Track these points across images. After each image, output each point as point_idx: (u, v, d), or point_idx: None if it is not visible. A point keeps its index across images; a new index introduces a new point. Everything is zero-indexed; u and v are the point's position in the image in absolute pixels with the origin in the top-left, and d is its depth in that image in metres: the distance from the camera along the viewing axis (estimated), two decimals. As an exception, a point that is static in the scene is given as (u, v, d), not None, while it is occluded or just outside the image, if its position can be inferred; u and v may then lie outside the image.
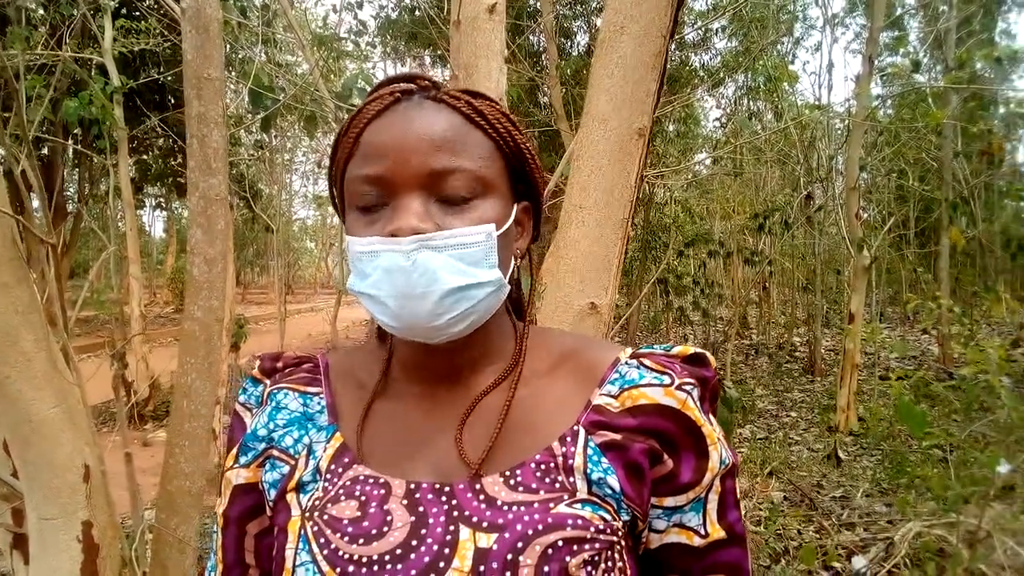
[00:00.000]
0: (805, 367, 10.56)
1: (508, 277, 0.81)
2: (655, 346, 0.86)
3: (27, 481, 2.15)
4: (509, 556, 0.69)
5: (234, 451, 0.88)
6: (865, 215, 9.96)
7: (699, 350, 0.85)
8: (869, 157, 9.27)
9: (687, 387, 0.81)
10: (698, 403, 0.81)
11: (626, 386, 0.80)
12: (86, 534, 2.18)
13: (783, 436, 7.01)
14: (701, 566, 0.82)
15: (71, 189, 16.52)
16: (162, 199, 19.32)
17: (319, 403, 0.87)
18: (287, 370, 0.92)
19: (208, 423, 2.38)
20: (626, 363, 0.83)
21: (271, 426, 0.86)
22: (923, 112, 8.81)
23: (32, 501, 2.16)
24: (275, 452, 0.84)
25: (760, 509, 4.79)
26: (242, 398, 0.92)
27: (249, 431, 0.87)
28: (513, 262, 0.84)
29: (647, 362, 0.83)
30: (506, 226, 0.80)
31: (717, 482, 0.81)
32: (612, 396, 0.80)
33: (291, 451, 0.83)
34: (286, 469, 0.83)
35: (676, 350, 0.85)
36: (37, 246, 2.49)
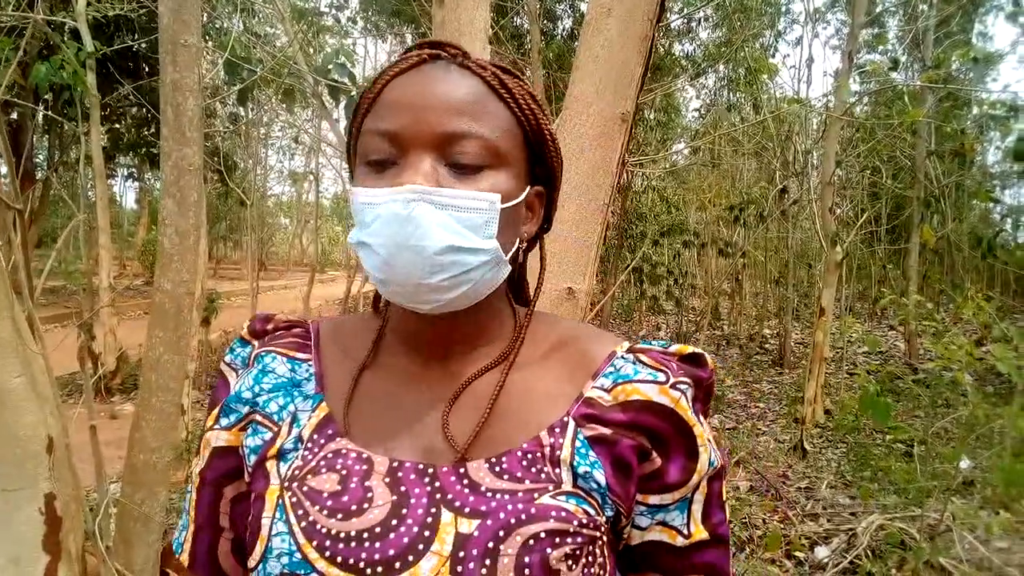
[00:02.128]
0: (775, 359, 10.67)
1: (509, 257, 0.80)
2: (652, 342, 0.85)
3: (-12, 451, 2.10)
4: (490, 544, 0.69)
5: (215, 412, 0.86)
6: (838, 211, 10.06)
7: (697, 350, 0.84)
8: (845, 153, 9.35)
9: (681, 386, 0.80)
10: (691, 403, 0.80)
11: (620, 380, 0.80)
12: (49, 506, 2.15)
13: (751, 426, 7.10)
14: (682, 565, 0.81)
15: (40, 156, 16.19)
16: (134, 169, 19.00)
17: (307, 370, 0.85)
18: (277, 333, 0.90)
19: (176, 397, 2.34)
20: (622, 357, 0.82)
21: (256, 389, 0.84)
22: (899, 110, 8.89)
23: (-7, 472, 2.12)
24: (258, 417, 0.83)
25: (726, 497, 4.83)
26: (228, 358, 0.90)
27: (232, 393, 0.86)
28: (517, 244, 0.83)
29: (643, 358, 0.82)
30: (513, 202, 0.78)
31: (704, 483, 0.81)
32: (605, 390, 0.79)
33: (275, 417, 0.82)
34: (268, 435, 0.81)
35: (674, 348, 0.84)
36: (3, 212, 2.43)
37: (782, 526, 4.50)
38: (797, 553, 4.10)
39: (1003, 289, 14.69)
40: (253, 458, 0.81)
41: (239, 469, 0.83)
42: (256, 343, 0.90)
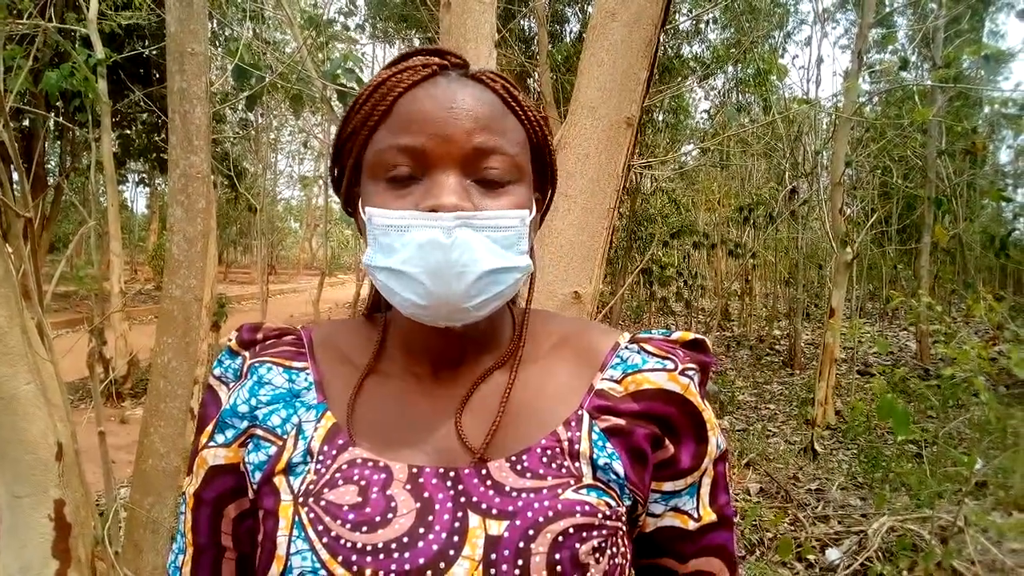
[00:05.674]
0: (785, 360, 10.63)
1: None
2: (653, 331, 0.86)
3: (-1, 458, 2.12)
4: (521, 544, 0.68)
5: (209, 428, 0.82)
6: (849, 211, 10.00)
7: (698, 336, 0.85)
8: (854, 153, 9.30)
9: (689, 372, 0.81)
10: (698, 388, 0.81)
11: (629, 371, 0.80)
12: (58, 512, 2.15)
13: (761, 428, 7.06)
14: (693, 549, 0.82)
15: (52, 162, 16.31)
16: (145, 175, 19.11)
17: (306, 379, 0.82)
18: (268, 342, 0.87)
19: (185, 403, 2.35)
20: (626, 348, 0.83)
21: (253, 402, 0.81)
22: (909, 110, 8.85)
23: (3, 478, 2.13)
24: (259, 431, 0.79)
25: (736, 500, 4.82)
26: (217, 371, 0.87)
27: (227, 407, 0.82)
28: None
29: (648, 347, 0.83)
30: (534, 214, 0.79)
31: (710, 466, 0.82)
32: (615, 381, 0.80)
33: (278, 431, 0.79)
34: (272, 450, 0.78)
35: (676, 336, 0.85)
36: (14, 220, 2.44)
37: (792, 528, 4.48)
38: (808, 555, 4.08)
39: (1016, 288, 14.60)
40: (258, 475, 0.77)
41: (241, 487, 0.80)
42: (246, 354, 0.86)
